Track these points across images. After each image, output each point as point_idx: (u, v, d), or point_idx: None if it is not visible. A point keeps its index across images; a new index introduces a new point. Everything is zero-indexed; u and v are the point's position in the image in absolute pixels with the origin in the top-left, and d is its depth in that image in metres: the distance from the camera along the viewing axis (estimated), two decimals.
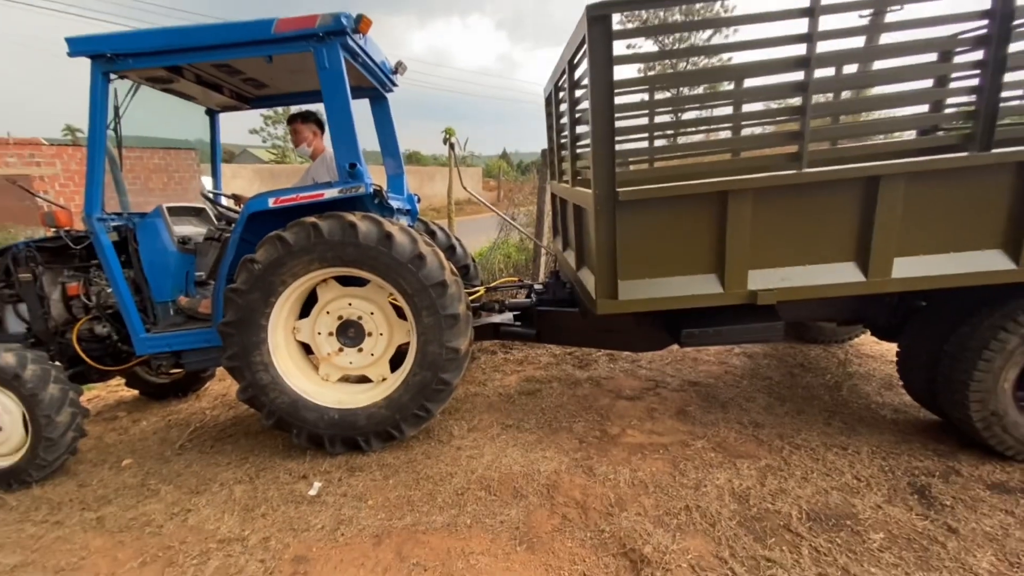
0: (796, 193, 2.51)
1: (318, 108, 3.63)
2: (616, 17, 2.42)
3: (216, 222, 3.81)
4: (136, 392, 4.23)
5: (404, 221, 3.43)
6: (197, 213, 3.83)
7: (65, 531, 2.61)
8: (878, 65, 2.57)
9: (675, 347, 3.43)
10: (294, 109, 4.00)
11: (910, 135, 3.47)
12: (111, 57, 2.79)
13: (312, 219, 2.82)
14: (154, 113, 3.49)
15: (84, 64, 2.84)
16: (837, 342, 4.62)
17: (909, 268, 2.50)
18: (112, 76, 2.92)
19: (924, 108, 2.95)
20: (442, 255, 3.00)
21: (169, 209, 3.44)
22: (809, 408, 3.48)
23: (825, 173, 2.45)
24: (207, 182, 4.03)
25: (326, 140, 3.66)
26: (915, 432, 3.10)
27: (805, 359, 4.34)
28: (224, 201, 3.93)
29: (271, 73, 3.42)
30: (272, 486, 2.86)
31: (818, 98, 2.52)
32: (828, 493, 2.56)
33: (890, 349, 3.49)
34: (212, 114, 4.00)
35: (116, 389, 4.42)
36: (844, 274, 2.58)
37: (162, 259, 3.30)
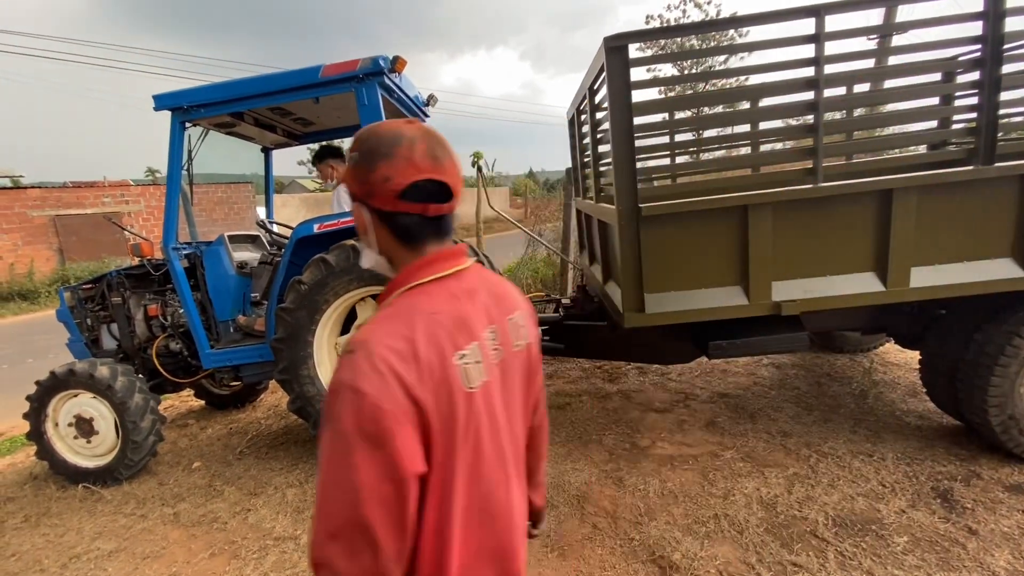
0: (814, 206, 2.61)
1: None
2: (633, 45, 2.60)
3: (269, 248, 4.17)
4: (203, 402, 4.65)
5: None
6: (253, 240, 4.21)
7: (149, 523, 2.94)
8: (885, 85, 2.66)
9: (704, 359, 3.50)
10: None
11: (921, 149, 3.51)
12: (187, 108, 3.19)
13: (352, 242, 3.09)
14: (218, 153, 3.91)
15: (164, 115, 3.26)
16: (862, 351, 4.58)
17: (926, 277, 2.55)
18: (187, 124, 3.32)
19: (931, 124, 3.01)
20: None
21: (229, 237, 3.82)
22: (836, 416, 3.49)
23: (840, 187, 2.54)
24: (261, 212, 4.42)
25: None
26: (938, 438, 3.10)
27: (832, 368, 4.33)
28: (276, 228, 4.31)
29: (317, 112, 3.79)
30: None
31: (831, 115, 2.62)
32: (854, 499, 2.59)
33: (914, 357, 3.48)
34: (267, 151, 4.42)
35: (187, 400, 4.84)
36: (864, 284, 2.64)
37: (224, 282, 3.66)
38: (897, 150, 3.37)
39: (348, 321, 3.38)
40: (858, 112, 3.74)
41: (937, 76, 2.60)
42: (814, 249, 2.67)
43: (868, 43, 2.63)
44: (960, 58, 2.61)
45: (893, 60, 2.68)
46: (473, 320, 0.83)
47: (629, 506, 2.70)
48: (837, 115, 3.17)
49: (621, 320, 2.86)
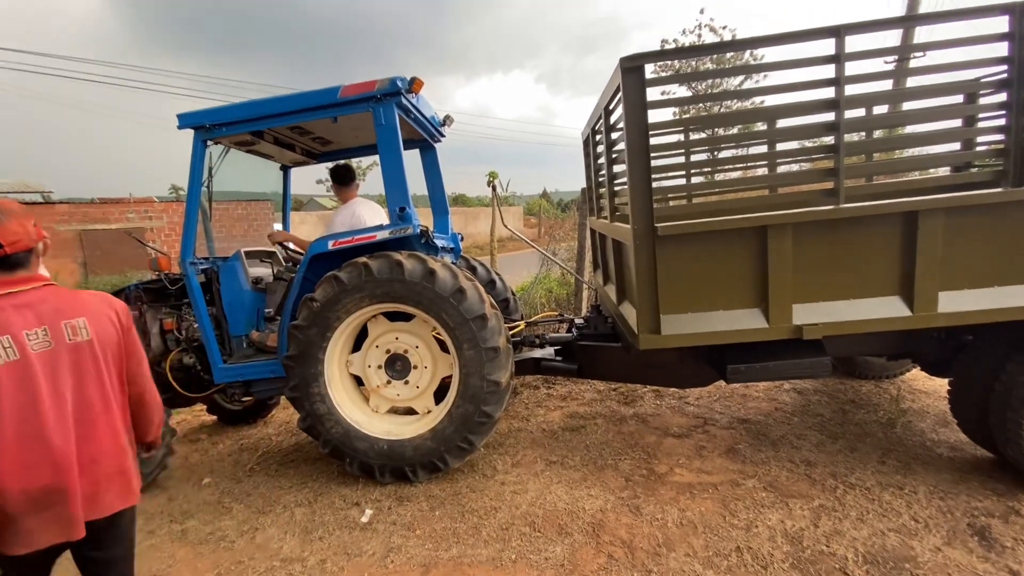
0: (836, 228, 2.55)
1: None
2: (649, 66, 2.61)
3: (284, 263, 4.20)
4: (215, 417, 4.64)
5: (448, 258, 3.67)
6: (269, 256, 4.25)
7: (156, 540, 2.91)
8: (908, 106, 2.62)
9: (723, 383, 3.41)
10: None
11: (946, 170, 3.44)
12: (209, 127, 3.26)
13: (364, 259, 3.08)
14: (238, 171, 3.98)
15: (187, 134, 3.33)
16: (886, 377, 4.43)
17: (955, 302, 2.46)
18: (209, 143, 3.39)
19: (955, 146, 2.94)
20: (482, 290, 3.16)
21: (246, 253, 3.86)
22: (862, 446, 3.35)
23: (863, 208, 2.49)
24: (278, 228, 4.47)
25: (364, 187, 3.98)
26: (973, 471, 2.96)
27: (856, 395, 4.18)
28: (291, 245, 4.35)
29: (335, 131, 3.85)
30: (328, 511, 3.03)
31: (851, 136, 2.58)
32: (885, 535, 2.46)
33: (944, 384, 3.34)
34: (285, 170, 4.50)
35: (199, 414, 4.84)
36: (890, 308, 2.55)
37: (239, 297, 3.68)
38: (918, 172, 3.31)
39: (360, 339, 3.37)
40: (880, 133, 3.69)
41: (959, 97, 2.55)
42: (837, 271, 2.60)
43: (888, 64, 2.57)
44: (984, 79, 2.56)
45: (914, 81, 2.63)
46: (12, 321, 1.39)
47: (647, 536, 2.60)
48: (857, 136, 3.14)
49: (636, 341, 2.80)
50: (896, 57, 2.73)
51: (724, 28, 22.88)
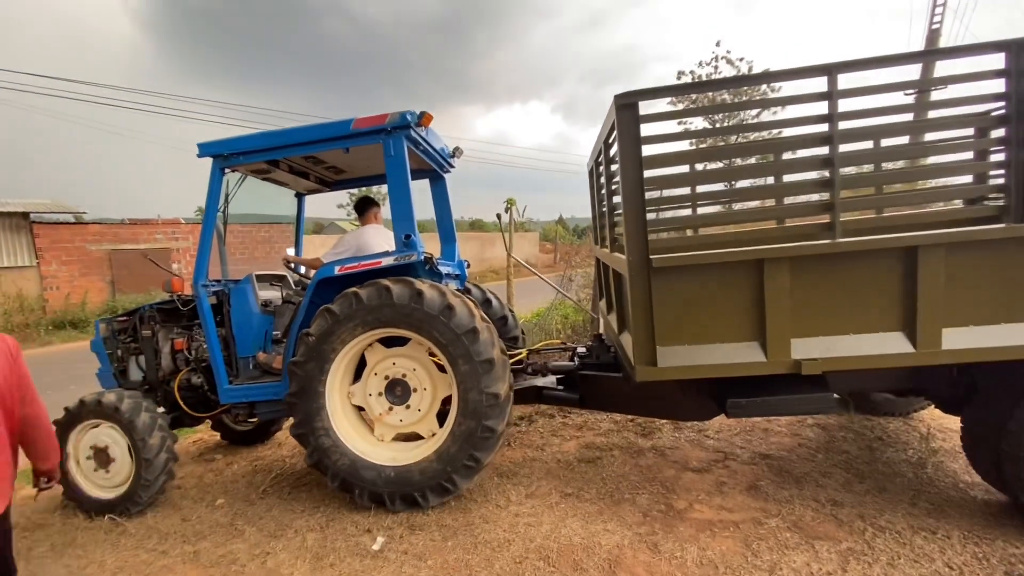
0: (833, 262, 2.54)
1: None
2: (657, 101, 2.66)
3: (294, 287, 4.32)
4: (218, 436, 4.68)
5: (453, 285, 3.72)
6: (281, 279, 4.37)
7: (169, 560, 2.92)
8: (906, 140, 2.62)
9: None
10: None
11: (946, 204, 3.40)
12: (227, 156, 3.43)
13: (354, 289, 3.15)
14: (260, 195, 4.16)
15: (206, 161, 3.50)
16: (900, 414, 4.28)
17: (960, 339, 2.40)
18: (226, 170, 3.56)
19: (963, 179, 2.92)
20: (472, 304, 3.18)
21: (257, 276, 3.98)
22: (892, 486, 3.21)
23: (860, 243, 2.47)
24: (290, 252, 4.61)
25: (382, 214, 4.10)
26: (1008, 515, 2.80)
27: (884, 432, 4.03)
28: (302, 269, 4.47)
29: (348, 161, 3.99)
30: (340, 537, 3.00)
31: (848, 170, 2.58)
32: None
33: None
34: (300, 197, 4.67)
35: (215, 434, 4.86)
36: (892, 344, 2.50)
37: (248, 319, 3.78)
38: (926, 206, 3.27)
39: (359, 372, 3.40)
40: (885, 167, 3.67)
41: (959, 132, 2.54)
42: (836, 306, 2.57)
43: (888, 98, 2.59)
44: (983, 115, 2.55)
45: (903, 117, 2.63)
46: None
47: (665, 575, 2.52)
48: (855, 170, 3.13)
49: (633, 373, 2.79)
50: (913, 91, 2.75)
51: (741, 60, 23.19)
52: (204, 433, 5.02)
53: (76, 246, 13.87)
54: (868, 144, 2.76)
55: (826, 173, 2.50)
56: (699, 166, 4.02)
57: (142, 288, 14.20)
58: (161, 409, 3.66)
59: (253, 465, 4.23)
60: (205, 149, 3.46)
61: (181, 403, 3.73)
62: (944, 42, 11.93)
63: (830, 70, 2.35)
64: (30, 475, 4.28)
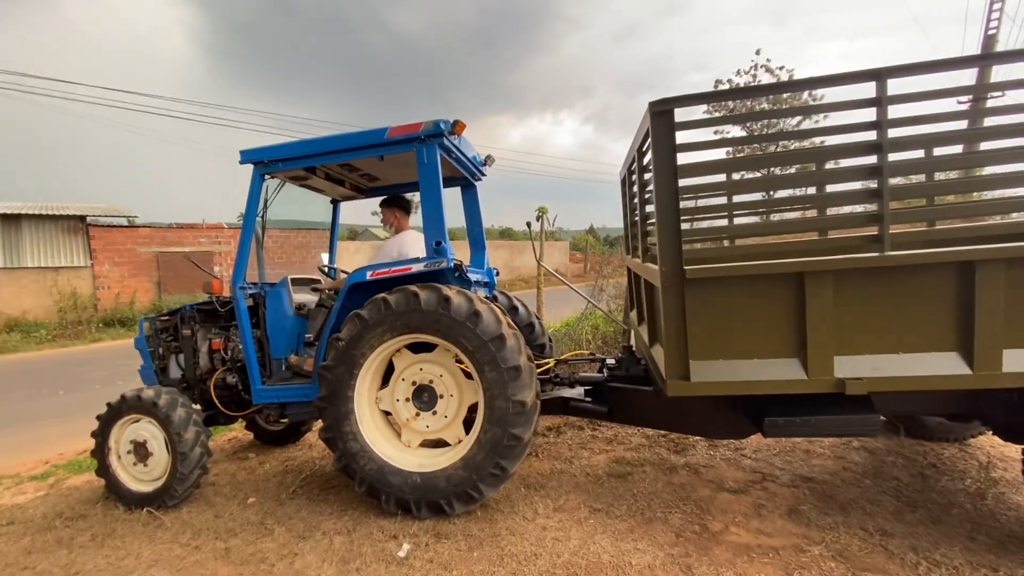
0: (882, 276, 2.40)
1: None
2: (694, 108, 2.59)
3: (326, 291, 4.40)
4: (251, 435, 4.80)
5: (482, 292, 3.71)
6: (315, 283, 4.46)
7: (201, 556, 2.99)
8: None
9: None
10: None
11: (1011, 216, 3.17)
12: (267, 163, 3.54)
13: (383, 295, 3.18)
14: (297, 202, 4.29)
15: (249, 167, 3.62)
16: (956, 440, 4.01)
17: (1023, 361, 2.21)
18: (266, 177, 3.67)
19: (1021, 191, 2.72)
20: (499, 311, 3.16)
21: (292, 280, 4.08)
22: (947, 518, 3.00)
23: (911, 256, 2.33)
24: (324, 257, 4.71)
25: (413, 220, 4.17)
26: None
27: (938, 459, 3.77)
28: (335, 274, 4.56)
29: (382, 169, 4.07)
30: (366, 542, 3.01)
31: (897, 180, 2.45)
32: None
33: None
34: (335, 203, 4.78)
35: (249, 433, 4.99)
36: (946, 365, 2.35)
37: (282, 322, 3.87)
38: (989, 218, 3.07)
39: (387, 378, 3.42)
40: (940, 176, 3.48)
41: (1017, 141, 2.37)
42: (884, 323, 2.43)
43: (940, 106, 2.44)
44: None
45: (959, 124, 2.48)
46: None
47: None
48: (906, 180, 2.97)
49: (664, 387, 2.70)
50: (971, 97, 2.60)
51: (781, 69, 22.63)
52: (238, 432, 5.16)
53: (127, 248, 14.63)
54: (919, 153, 2.61)
55: (874, 183, 2.38)
56: (735, 175, 3.91)
57: (187, 289, 14.83)
58: (197, 406, 3.78)
59: (284, 465, 4.31)
60: (247, 156, 3.59)
61: (216, 401, 3.84)
62: (1001, 48, 11.34)
63: (879, 75, 2.24)
64: (77, 464, 4.54)
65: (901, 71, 2.26)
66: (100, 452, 3.58)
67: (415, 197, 4.36)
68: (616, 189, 4.32)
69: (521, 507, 3.33)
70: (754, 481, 3.59)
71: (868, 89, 2.29)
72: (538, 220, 7.47)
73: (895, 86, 2.26)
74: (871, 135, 2.33)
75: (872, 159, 2.34)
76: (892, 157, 2.30)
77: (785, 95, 19.95)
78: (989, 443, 4.01)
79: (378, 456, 3.25)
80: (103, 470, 3.59)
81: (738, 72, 23.59)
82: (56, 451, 5.02)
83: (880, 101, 2.25)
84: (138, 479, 3.56)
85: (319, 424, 3.44)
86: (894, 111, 2.26)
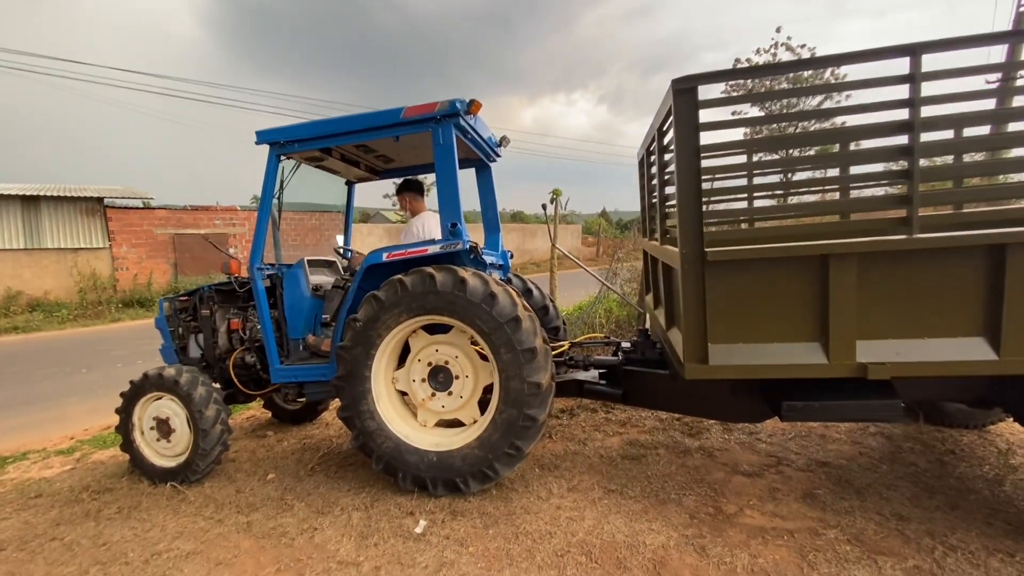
0: (908, 259, 2.35)
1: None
2: (714, 87, 2.53)
3: (343, 273, 4.43)
4: (269, 413, 4.89)
5: (496, 274, 3.71)
6: (330, 265, 4.49)
7: (224, 529, 3.07)
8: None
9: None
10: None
11: None
12: (283, 143, 3.53)
13: (399, 276, 3.19)
14: (310, 184, 4.29)
15: (264, 148, 3.61)
16: (974, 427, 3.96)
17: None
18: (282, 157, 3.67)
19: None
20: (515, 293, 3.16)
21: (309, 261, 4.10)
22: (965, 503, 2.99)
23: (940, 240, 2.28)
24: (339, 239, 4.73)
25: (429, 202, 4.17)
26: None
27: (956, 445, 3.74)
28: (350, 256, 4.58)
29: (397, 150, 4.04)
30: (384, 518, 3.07)
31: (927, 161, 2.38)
32: None
33: None
34: (350, 185, 4.77)
35: (267, 412, 5.08)
36: (972, 351, 2.30)
37: (299, 302, 3.91)
38: (1014, 201, 2.97)
39: (403, 358, 3.46)
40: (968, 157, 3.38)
41: None
42: (909, 307, 2.39)
43: (970, 83, 2.36)
44: None
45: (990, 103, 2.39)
46: None
47: None
48: (930, 162, 2.89)
49: (682, 370, 2.69)
50: (1000, 76, 2.50)
51: (802, 47, 21.98)
52: (257, 410, 5.26)
53: (144, 230, 14.82)
54: (949, 133, 2.53)
55: (904, 164, 2.31)
56: (757, 156, 3.82)
57: (202, 271, 15.03)
58: (217, 385, 3.85)
59: (302, 443, 4.39)
60: (263, 136, 3.58)
61: (235, 380, 3.91)
62: None
63: (914, 50, 2.15)
64: (102, 439, 4.67)
65: (936, 46, 2.17)
66: (124, 428, 3.67)
67: (427, 179, 4.34)
68: (631, 172, 4.26)
69: (536, 487, 3.36)
70: (769, 465, 3.59)
71: (898, 66, 2.21)
72: (552, 202, 7.42)
73: (928, 63, 2.19)
74: (902, 114, 2.25)
75: (903, 139, 2.27)
76: (924, 137, 2.23)
77: (806, 74, 19.40)
78: (1009, 430, 3.95)
79: (395, 435, 3.29)
80: (127, 445, 3.69)
81: (758, 51, 22.97)
82: (81, 427, 5.16)
83: (914, 78, 2.17)
84: (161, 454, 3.66)
85: (336, 403, 3.49)
86: (927, 89, 2.18)
